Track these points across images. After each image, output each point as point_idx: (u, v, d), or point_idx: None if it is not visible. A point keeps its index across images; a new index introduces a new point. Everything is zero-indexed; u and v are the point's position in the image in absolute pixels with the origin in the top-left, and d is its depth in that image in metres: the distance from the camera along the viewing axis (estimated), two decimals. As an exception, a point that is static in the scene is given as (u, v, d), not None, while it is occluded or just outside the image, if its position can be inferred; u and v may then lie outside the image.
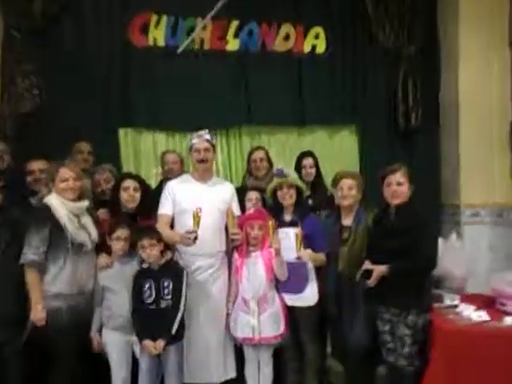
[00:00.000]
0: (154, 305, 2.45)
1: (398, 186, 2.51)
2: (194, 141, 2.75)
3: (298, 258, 2.53)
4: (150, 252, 2.43)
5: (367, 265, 2.45)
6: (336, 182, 2.79)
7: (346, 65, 3.93)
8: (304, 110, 3.86)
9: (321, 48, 3.91)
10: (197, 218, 2.39)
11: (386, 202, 2.56)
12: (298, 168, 3.27)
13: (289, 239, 2.63)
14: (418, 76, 3.81)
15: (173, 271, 2.51)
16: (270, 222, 2.54)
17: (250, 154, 3.40)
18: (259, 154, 3.33)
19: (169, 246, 2.60)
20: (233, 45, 3.74)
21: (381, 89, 3.94)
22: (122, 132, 3.64)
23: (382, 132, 3.93)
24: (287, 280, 2.63)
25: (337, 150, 4.00)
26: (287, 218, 2.78)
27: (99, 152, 3.29)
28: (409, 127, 3.86)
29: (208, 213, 2.55)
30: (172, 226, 2.73)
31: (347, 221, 2.73)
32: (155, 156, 3.65)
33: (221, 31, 3.69)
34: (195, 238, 2.39)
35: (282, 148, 3.93)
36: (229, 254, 2.81)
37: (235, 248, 2.70)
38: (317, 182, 3.22)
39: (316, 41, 3.89)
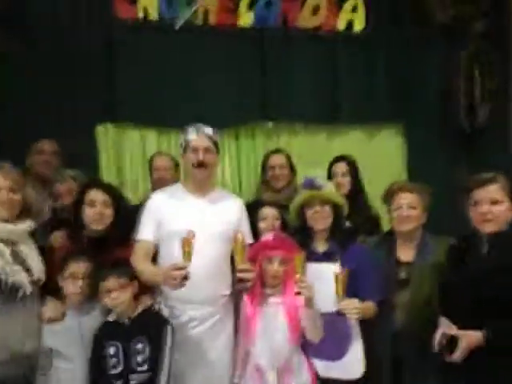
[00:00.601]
0: (120, 380, 1.73)
1: (492, 206, 1.74)
2: (190, 136, 2.01)
3: (340, 311, 1.76)
4: (119, 298, 1.77)
5: (450, 328, 1.62)
6: (390, 196, 2.09)
7: (391, 47, 3.34)
8: (336, 105, 3.25)
9: (359, 25, 3.34)
10: (188, 248, 1.69)
11: (473, 229, 1.79)
12: (329, 178, 2.55)
13: (324, 281, 1.88)
14: (487, 61, 3.09)
15: (152, 327, 1.80)
16: (298, 255, 1.81)
17: (267, 158, 2.70)
18: (278, 159, 2.65)
19: (147, 289, 1.91)
20: (246, 19, 3.18)
21: (435, 78, 3.33)
22: (101, 129, 3.05)
23: (436, 133, 3.31)
24: (321, 341, 1.89)
25: (376, 156, 3.30)
26: (320, 247, 2.05)
27: (71, 154, 2.70)
28: (473, 126, 3.21)
29: (206, 240, 1.88)
30: (155, 259, 2.01)
31: (406, 254, 2.05)
32: (143, 160, 3.00)
33: (231, 1, 3.14)
34: (185, 278, 1.68)
35: (306, 153, 3.25)
36: (236, 298, 2.08)
37: (245, 291, 1.97)
38: (355, 197, 2.44)
39: (353, 15, 3.31)
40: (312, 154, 3.26)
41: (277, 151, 2.71)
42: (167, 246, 1.95)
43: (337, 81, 3.25)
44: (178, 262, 1.70)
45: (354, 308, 1.77)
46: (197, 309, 1.94)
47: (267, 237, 2.03)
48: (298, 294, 1.80)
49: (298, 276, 1.79)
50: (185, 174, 2.18)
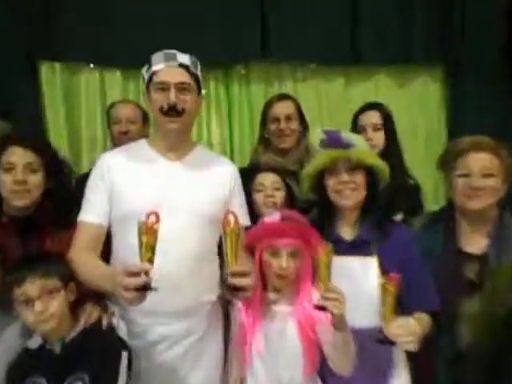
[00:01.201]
0: None
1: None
2: (156, 66, 1.39)
3: (386, 339, 1.20)
4: (45, 310, 1.22)
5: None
6: (453, 158, 1.53)
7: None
8: (357, 41, 2.61)
9: None
10: (149, 239, 1.10)
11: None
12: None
13: (352, 283, 1.38)
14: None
15: (98, 354, 1.25)
16: (323, 249, 1.23)
17: (268, 107, 2.05)
18: (284, 108, 2.01)
19: (92, 295, 1.35)
20: None
21: (488, 7, 2.62)
22: (45, 68, 2.45)
23: (488, 80, 2.63)
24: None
25: (407, 109, 2.70)
26: (347, 234, 1.49)
27: (4, 100, 2.26)
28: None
29: (181, 224, 1.37)
30: (107, 252, 1.42)
31: (475, 244, 1.50)
32: (103, 111, 2.40)
33: None
34: (145, 288, 1.08)
35: (316, 103, 2.66)
36: (226, 303, 1.52)
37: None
38: (390, 159, 1.77)
39: None
40: (324, 104, 2.67)
41: (282, 97, 2.06)
42: (124, 233, 1.35)
43: (357, 10, 2.61)
44: (131, 265, 1.10)
45: (410, 335, 1.18)
46: (169, 324, 1.37)
47: (271, 217, 1.45)
48: (322, 309, 1.21)
49: (322, 282, 1.22)
50: (153, 126, 1.53)
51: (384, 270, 1.38)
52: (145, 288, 1.07)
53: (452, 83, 2.70)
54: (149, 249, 1.09)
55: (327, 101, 2.67)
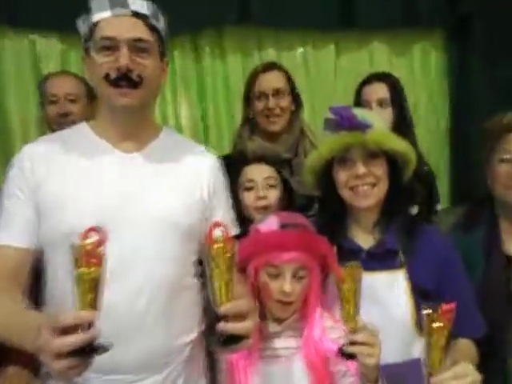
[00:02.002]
0: None
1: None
2: (101, 14, 0.99)
3: None
4: None
5: None
6: (495, 138, 1.24)
7: None
8: (348, 3, 2.22)
9: None
10: (89, 270, 0.72)
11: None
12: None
13: (380, 304, 1.10)
14: None
15: None
16: (349, 268, 0.94)
17: (253, 80, 1.67)
18: (272, 81, 1.64)
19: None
20: None
21: None
22: None
23: (498, 44, 2.28)
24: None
25: (407, 78, 2.33)
26: (364, 241, 1.19)
27: None
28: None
29: (143, 242, 1.00)
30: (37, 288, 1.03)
31: None
32: (35, 82, 1.93)
33: None
34: (88, 349, 0.70)
35: (302, 74, 2.26)
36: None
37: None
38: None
39: None
40: (313, 76, 2.30)
41: (269, 67, 1.67)
42: (60, 261, 0.94)
43: None
44: (64, 314, 0.72)
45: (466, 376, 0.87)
46: (132, 381, 0.99)
47: (267, 224, 1.12)
48: (350, 357, 0.89)
49: (349, 318, 0.91)
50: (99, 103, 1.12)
51: (416, 288, 1.09)
52: (87, 349, 0.71)
53: (457, 51, 2.39)
54: (91, 286, 0.72)
55: (316, 72, 2.30)
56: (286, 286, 1.04)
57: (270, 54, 2.23)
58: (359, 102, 1.69)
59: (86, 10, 1.02)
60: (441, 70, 2.45)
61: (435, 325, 0.82)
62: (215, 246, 0.79)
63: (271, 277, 1.06)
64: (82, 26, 1.01)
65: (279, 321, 1.10)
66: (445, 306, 0.83)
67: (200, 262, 1.11)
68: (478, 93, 2.29)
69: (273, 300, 1.07)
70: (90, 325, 0.71)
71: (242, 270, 1.09)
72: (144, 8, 1.00)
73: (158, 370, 1.01)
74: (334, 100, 2.12)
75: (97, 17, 0.97)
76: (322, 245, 1.07)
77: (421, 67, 2.43)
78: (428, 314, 0.84)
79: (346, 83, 2.00)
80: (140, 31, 0.97)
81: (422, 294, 1.08)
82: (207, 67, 2.20)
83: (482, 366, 1.08)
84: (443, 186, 2.45)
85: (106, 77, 0.96)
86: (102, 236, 0.73)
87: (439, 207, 1.68)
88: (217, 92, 2.22)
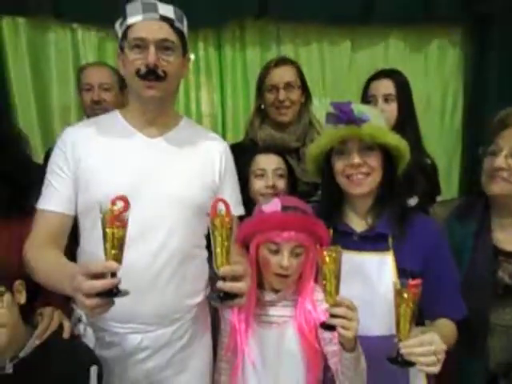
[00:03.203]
0: None
1: None
2: (132, 18, 1.15)
3: (403, 357, 0.98)
4: None
5: None
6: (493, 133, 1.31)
7: None
8: None
9: None
10: (115, 230, 0.89)
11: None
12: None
13: (364, 282, 1.22)
14: None
15: (59, 373, 1.04)
16: (330, 250, 1.03)
17: (265, 73, 1.77)
18: (284, 75, 1.74)
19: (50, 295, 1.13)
20: None
21: None
22: (7, 24, 2.15)
23: None
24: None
25: (422, 74, 2.43)
26: (358, 225, 1.30)
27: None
28: None
29: (160, 213, 1.17)
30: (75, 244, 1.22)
31: None
32: (75, 71, 2.09)
33: None
34: (112, 292, 0.88)
35: (318, 69, 2.37)
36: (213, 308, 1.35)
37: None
38: (405, 134, 1.52)
39: None
40: (328, 71, 2.37)
41: (281, 62, 1.77)
42: (93, 226, 1.13)
43: None
44: (92, 263, 0.89)
45: (433, 354, 0.98)
46: (147, 331, 1.18)
47: (270, 206, 1.24)
48: (330, 328, 1.02)
49: (329, 294, 1.02)
50: (129, 93, 1.28)
51: (402, 269, 1.20)
52: (110, 293, 0.87)
53: (474, 48, 2.40)
54: (115, 243, 0.88)
55: (331, 67, 2.38)
56: (284, 261, 1.16)
57: (288, 48, 2.32)
58: (366, 96, 1.75)
59: (119, 4, 1.18)
60: (457, 66, 2.46)
61: (403, 296, 0.94)
62: (217, 218, 0.94)
63: (271, 252, 1.18)
64: (118, 28, 1.17)
65: (275, 291, 1.23)
66: (412, 281, 0.95)
67: (208, 237, 1.29)
68: (493, 90, 2.31)
69: (271, 273, 1.19)
70: (113, 274, 0.87)
71: (245, 245, 1.24)
72: (170, 12, 1.15)
73: (168, 324, 1.18)
74: (348, 95, 2.20)
75: (130, 20, 1.13)
76: (318, 227, 1.19)
77: (437, 63, 2.45)
78: (396, 287, 0.96)
79: (361, 78, 2.05)
80: (166, 33, 1.13)
81: (408, 276, 1.14)
82: (228, 58, 2.33)
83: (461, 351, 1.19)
84: (455, 181, 2.51)
85: (137, 72, 1.12)
86: (125, 204, 0.87)
87: (439, 199, 1.77)
88: (236, 81, 2.34)
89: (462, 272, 1.26)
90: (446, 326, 1.18)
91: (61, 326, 1.11)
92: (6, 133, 1.22)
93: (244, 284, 0.96)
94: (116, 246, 0.88)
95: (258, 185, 1.51)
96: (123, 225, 0.88)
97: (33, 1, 2.02)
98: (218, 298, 0.95)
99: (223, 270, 0.94)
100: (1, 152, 1.18)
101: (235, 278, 0.95)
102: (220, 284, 0.94)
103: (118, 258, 0.89)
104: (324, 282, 1.02)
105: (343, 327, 0.98)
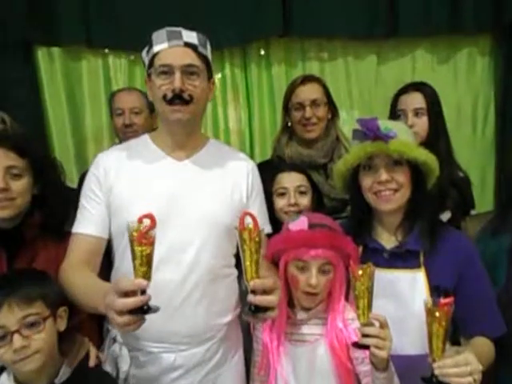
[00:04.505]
0: None
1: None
2: (159, 45, 1.20)
3: (437, 380, 0.95)
4: (24, 347, 0.99)
5: None
6: None
7: None
8: (392, 9, 2.25)
9: None
10: (143, 247, 0.91)
11: None
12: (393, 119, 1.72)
13: (394, 301, 1.20)
14: None
15: None
16: (361, 267, 1.03)
17: (291, 91, 1.79)
18: (310, 93, 1.75)
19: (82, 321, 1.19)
20: None
21: None
22: (42, 53, 2.26)
23: None
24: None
25: (451, 86, 2.40)
26: (388, 242, 1.28)
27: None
28: None
29: (191, 234, 1.20)
30: (110, 266, 1.27)
31: None
32: (107, 95, 2.20)
33: None
34: (143, 310, 0.90)
35: (344, 84, 2.38)
36: (246, 323, 1.36)
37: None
38: (436, 148, 1.53)
39: None
40: (354, 86, 2.38)
41: (307, 80, 1.79)
42: (126, 248, 1.14)
43: None
44: (123, 281, 0.91)
45: (469, 375, 0.95)
46: (179, 351, 1.20)
47: (298, 224, 1.24)
48: (362, 347, 1.01)
49: (361, 312, 1.01)
50: (158, 118, 1.35)
51: (434, 287, 1.18)
52: (141, 310, 0.89)
53: (504, 57, 2.35)
54: (144, 261, 0.91)
55: (357, 81, 2.38)
56: (312, 279, 1.16)
57: (313, 66, 2.35)
58: (395, 110, 1.73)
59: (146, 32, 1.24)
60: (486, 75, 2.42)
61: (434, 314, 0.92)
62: (245, 232, 0.95)
63: (299, 270, 1.18)
64: (145, 56, 1.22)
65: (305, 309, 1.23)
66: (443, 300, 0.93)
67: (237, 255, 1.30)
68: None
69: (300, 291, 1.19)
70: (143, 291, 0.89)
71: (275, 262, 1.24)
72: (194, 39, 1.19)
73: (200, 343, 1.20)
74: (375, 108, 2.22)
75: (157, 48, 1.18)
76: (346, 244, 1.19)
77: (466, 74, 2.42)
78: (427, 306, 0.94)
79: (388, 92, 2.01)
80: (191, 58, 1.17)
81: (441, 293, 1.12)
82: (254, 76, 2.38)
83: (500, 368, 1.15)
84: (489, 192, 2.44)
85: (164, 97, 1.16)
86: (152, 222, 0.90)
87: (473, 213, 1.72)
88: (262, 98, 2.38)
89: (497, 288, 1.22)
90: (483, 345, 1.14)
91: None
92: (42, 159, 1.28)
93: (274, 297, 0.97)
94: (144, 264, 0.91)
95: (280, 203, 1.52)
96: (150, 242, 0.91)
97: (67, 31, 2.13)
98: (250, 312, 0.96)
99: (253, 283, 0.95)
100: (37, 178, 1.24)
101: (265, 291, 0.96)
102: (251, 297, 0.95)
103: (147, 275, 0.91)
104: (356, 300, 1.01)
105: (377, 347, 0.97)
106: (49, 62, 2.25)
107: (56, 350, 1.06)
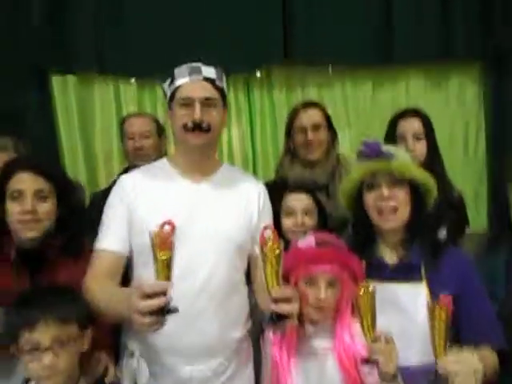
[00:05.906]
0: None
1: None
2: (180, 80, 1.31)
3: (439, 375, 1.01)
4: (53, 364, 1.02)
5: None
6: None
7: None
8: (387, 38, 2.39)
9: None
10: (164, 252, 0.97)
11: None
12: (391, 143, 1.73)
13: (403, 312, 1.25)
14: None
15: None
16: (364, 286, 1.10)
17: (294, 116, 1.90)
18: (311, 118, 1.86)
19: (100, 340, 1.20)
20: None
21: None
22: (56, 81, 2.37)
23: None
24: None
25: (443, 110, 2.50)
26: (390, 257, 1.34)
27: (14, 115, 2.14)
28: None
29: (206, 251, 1.27)
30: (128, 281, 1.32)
31: None
32: (118, 120, 2.31)
33: None
34: (165, 310, 0.96)
35: (343, 109, 2.50)
36: (255, 339, 1.39)
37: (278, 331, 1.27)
38: (432, 170, 1.57)
39: None
40: (351, 111, 2.49)
41: (308, 105, 1.90)
42: (145, 265, 1.22)
43: (388, 4, 2.39)
44: (146, 284, 0.97)
45: (470, 373, 1.01)
46: (193, 363, 1.25)
47: (306, 242, 1.31)
48: (369, 362, 1.07)
49: (367, 330, 1.07)
50: (175, 143, 1.44)
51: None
52: (163, 310, 0.94)
53: (493, 83, 2.46)
54: (165, 264, 0.97)
55: (354, 107, 2.49)
56: (321, 293, 1.22)
57: (312, 91, 2.46)
58: (393, 134, 1.79)
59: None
60: (477, 102, 2.52)
61: (435, 311, 0.98)
62: (267, 244, 1.02)
63: (308, 285, 1.24)
64: (167, 88, 1.32)
65: (314, 323, 1.27)
66: (442, 297, 1.00)
67: (249, 273, 1.38)
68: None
69: (309, 305, 1.24)
70: (164, 293, 0.95)
71: (286, 279, 1.31)
72: (212, 74, 1.30)
73: (213, 356, 1.26)
74: (371, 133, 2.28)
75: (178, 82, 1.28)
76: (352, 261, 1.24)
77: (457, 100, 2.52)
78: (430, 307, 1.00)
79: (383, 116, 2.09)
80: (209, 91, 1.28)
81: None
82: (256, 101, 2.49)
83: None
84: (483, 211, 2.53)
85: (184, 126, 1.26)
86: (172, 228, 0.97)
87: (468, 230, 1.80)
88: (264, 122, 2.48)
89: (496, 303, 1.27)
90: (488, 353, 1.18)
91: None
92: (66, 183, 1.36)
93: (294, 305, 1.04)
94: (165, 267, 0.97)
95: (287, 223, 1.58)
96: (170, 247, 0.97)
97: (80, 59, 2.24)
98: (271, 321, 1.02)
99: (274, 292, 1.02)
100: (59, 200, 1.31)
101: (286, 300, 1.02)
102: (272, 306, 1.01)
103: (169, 278, 0.97)
104: (361, 319, 1.07)
105: (384, 362, 1.03)
106: (62, 89, 2.36)
107: (77, 368, 1.10)
